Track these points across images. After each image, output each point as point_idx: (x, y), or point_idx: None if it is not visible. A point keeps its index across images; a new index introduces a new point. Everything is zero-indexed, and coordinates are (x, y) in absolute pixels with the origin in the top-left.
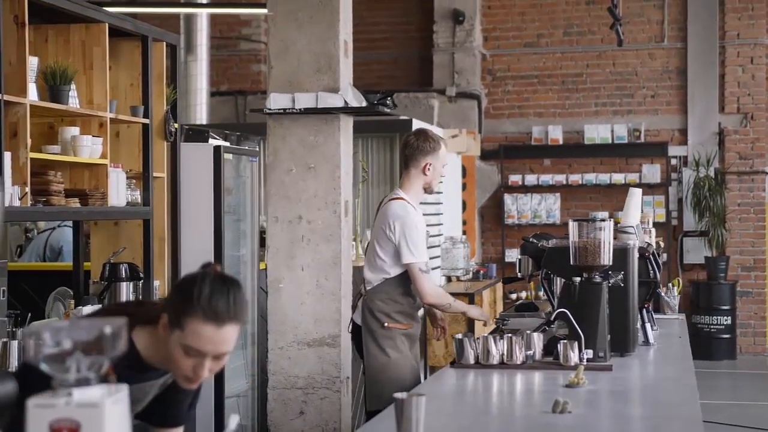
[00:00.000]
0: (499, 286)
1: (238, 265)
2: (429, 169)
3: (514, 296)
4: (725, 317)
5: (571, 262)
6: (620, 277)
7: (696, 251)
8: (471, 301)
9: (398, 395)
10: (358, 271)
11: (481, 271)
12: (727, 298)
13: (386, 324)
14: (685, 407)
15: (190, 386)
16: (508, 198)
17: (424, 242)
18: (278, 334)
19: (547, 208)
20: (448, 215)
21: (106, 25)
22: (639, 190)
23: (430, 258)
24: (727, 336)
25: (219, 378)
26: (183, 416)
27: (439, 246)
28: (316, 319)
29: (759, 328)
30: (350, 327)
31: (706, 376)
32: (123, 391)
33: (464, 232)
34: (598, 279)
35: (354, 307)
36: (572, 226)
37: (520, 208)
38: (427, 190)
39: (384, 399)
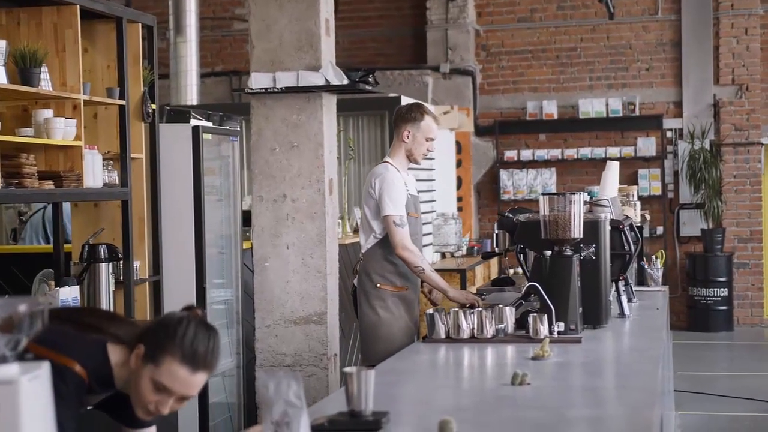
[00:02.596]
0: (495, 261)
1: (220, 244)
2: (408, 136)
3: (511, 271)
4: (722, 289)
5: (542, 236)
6: (591, 250)
7: (692, 223)
8: (463, 278)
9: (347, 369)
10: (344, 249)
11: (476, 247)
12: (723, 270)
13: (378, 285)
14: (643, 377)
15: (146, 418)
16: (504, 174)
17: (402, 198)
18: (265, 312)
19: (542, 183)
20: (441, 192)
21: (77, 7)
22: (616, 164)
23: (423, 234)
24: (724, 308)
25: None
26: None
27: (430, 223)
28: (303, 296)
29: (756, 299)
30: (352, 290)
31: (703, 348)
32: (43, 367)
33: (460, 209)
34: (568, 252)
35: (355, 272)
36: (542, 200)
37: (516, 184)
38: (410, 158)
39: (376, 357)
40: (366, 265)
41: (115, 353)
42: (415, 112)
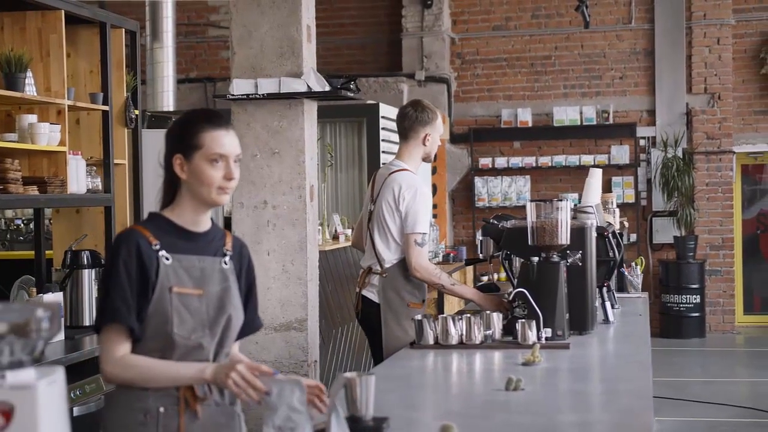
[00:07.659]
0: (470, 268)
1: None
2: (428, 140)
3: (485, 278)
4: (694, 296)
5: (529, 243)
6: (578, 256)
7: (665, 231)
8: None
9: (347, 375)
10: (324, 255)
11: (452, 254)
12: (696, 277)
13: (410, 303)
14: (636, 382)
15: (223, 198)
16: (478, 181)
17: (429, 215)
18: None
19: (517, 191)
20: None
21: (62, 12)
22: (599, 171)
23: None
24: (696, 314)
25: None
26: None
27: None
28: (283, 303)
29: (728, 306)
30: (358, 304)
31: (676, 354)
32: (58, 372)
33: (435, 216)
34: (555, 258)
35: (362, 284)
36: (530, 207)
37: (490, 191)
38: (426, 160)
39: None
40: (393, 282)
41: (169, 212)
42: (429, 113)
